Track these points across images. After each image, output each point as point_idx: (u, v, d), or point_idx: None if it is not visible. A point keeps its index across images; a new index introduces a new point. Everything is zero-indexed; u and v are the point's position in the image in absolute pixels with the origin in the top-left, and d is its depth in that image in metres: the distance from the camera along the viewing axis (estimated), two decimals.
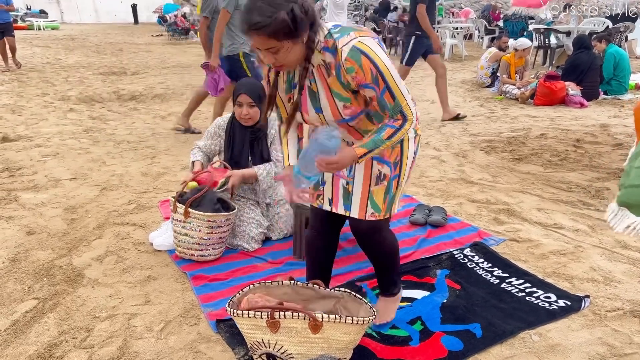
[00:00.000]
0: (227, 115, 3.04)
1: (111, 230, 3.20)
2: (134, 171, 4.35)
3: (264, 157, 2.99)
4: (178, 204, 2.68)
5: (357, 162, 1.76)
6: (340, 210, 1.97)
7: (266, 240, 3.05)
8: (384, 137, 1.73)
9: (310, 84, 1.76)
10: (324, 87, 1.74)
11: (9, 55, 10.25)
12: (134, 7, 27.27)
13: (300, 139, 2.08)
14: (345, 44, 1.64)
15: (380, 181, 1.88)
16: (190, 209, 2.65)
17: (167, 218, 3.25)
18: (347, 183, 1.92)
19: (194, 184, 2.83)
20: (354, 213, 1.93)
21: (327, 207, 2.01)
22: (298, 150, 2.01)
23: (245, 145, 2.96)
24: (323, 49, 1.67)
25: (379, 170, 1.88)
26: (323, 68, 1.71)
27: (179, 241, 2.73)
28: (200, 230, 2.67)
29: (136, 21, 27.06)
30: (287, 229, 3.08)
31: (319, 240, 2.17)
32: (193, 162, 3.05)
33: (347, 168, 1.86)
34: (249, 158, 2.98)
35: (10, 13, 10.31)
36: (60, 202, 3.66)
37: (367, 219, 1.92)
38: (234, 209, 2.83)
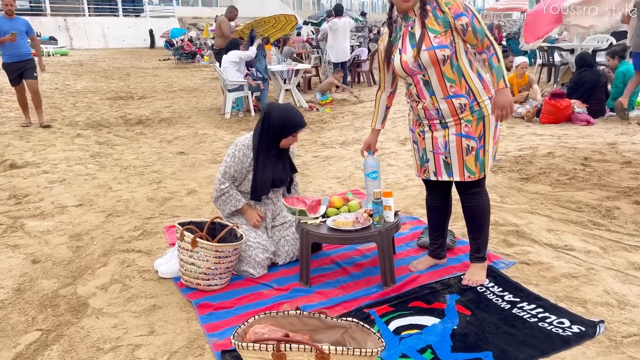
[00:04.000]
0: (247, 136, 3.00)
1: (116, 257, 3.18)
2: (140, 196, 4.35)
3: (293, 169, 3.14)
4: (186, 233, 2.66)
5: (508, 87, 2.36)
6: (444, 177, 2.57)
7: (272, 265, 3.02)
8: (496, 64, 2.34)
9: (411, 29, 2.40)
10: (420, 26, 2.36)
11: (30, 104, 7.48)
12: (150, 32, 28.07)
13: (388, 107, 2.75)
14: None
15: (470, 152, 2.46)
16: (198, 239, 2.62)
17: (173, 244, 3.23)
18: (446, 157, 2.52)
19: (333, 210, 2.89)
20: (456, 177, 2.54)
21: (433, 178, 2.62)
22: (384, 117, 2.78)
23: (282, 163, 3.01)
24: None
25: (467, 144, 2.45)
26: (422, 16, 2.35)
27: (185, 270, 2.70)
28: (207, 260, 2.64)
29: (152, 45, 27.68)
30: (293, 253, 3.05)
31: (434, 202, 2.78)
32: (242, 207, 2.99)
33: (443, 146, 2.49)
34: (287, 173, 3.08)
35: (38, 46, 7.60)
36: (66, 229, 3.65)
37: (466, 180, 2.52)
38: (241, 237, 2.81)
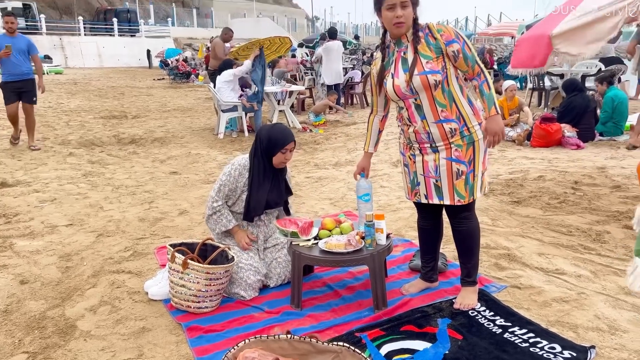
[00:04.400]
0: (244, 156, 3.02)
1: (106, 278, 3.15)
2: (131, 216, 4.33)
3: (289, 191, 3.15)
4: (177, 254, 2.65)
5: (499, 114, 2.42)
6: (435, 200, 2.59)
7: (263, 287, 3.00)
8: (487, 91, 2.41)
9: (404, 54, 2.46)
10: (412, 52, 2.42)
11: (22, 123, 7.13)
12: (148, 52, 28.41)
13: (380, 131, 2.80)
14: (435, 24, 2.47)
15: (460, 176, 2.49)
16: (189, 261, 2.61)
17: (163, 265, 3.20)
18: (436, 180, 2.54)
19: (325, 232, 2.87)
20: (446, 201, 2.56)
21: (424, 201, 2.64)
22: (376, 141, 2.82)
23: (278, 184, 3.01)
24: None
25: (457, 168, 2.48)
26: (414, 42, 2.42)
27: (175, 292, 2.68)
28: (198, 282, 2.62)
29: (150, 65, 27.94)
30: (285, 275, 3.03)
31: (425, 224, 2.81)
32: (232, 228, 2.98)
33: (434, 170, 2.52)
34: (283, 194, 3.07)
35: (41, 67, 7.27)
36: (56, 249, 3.62)
37: (456, 204, 2.54)
38: (233, 259, 2.80)
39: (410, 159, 2.62)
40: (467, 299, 2.70)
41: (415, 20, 2.43)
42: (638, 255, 1.44)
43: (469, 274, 2.72)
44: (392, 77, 2.49)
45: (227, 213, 2.97)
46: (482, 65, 2.44)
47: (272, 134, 2.92)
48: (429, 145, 2.52)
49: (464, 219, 2.62)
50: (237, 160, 2.98)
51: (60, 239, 3.82)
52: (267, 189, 2.95)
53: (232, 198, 2.98)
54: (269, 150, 2.91)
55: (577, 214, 4.15)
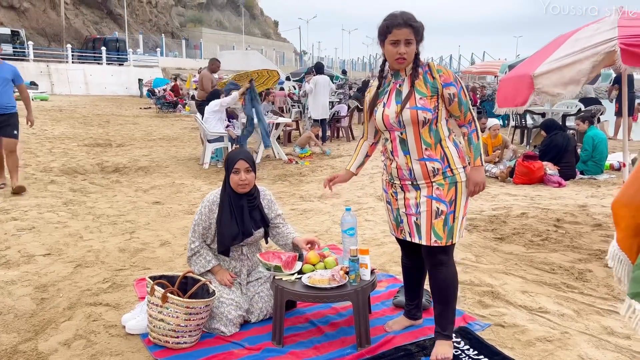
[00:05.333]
0: (214, 192, 3.01)
1: (82, 311, 3.06)
2: (112, 247, 4.24)
3: (265, 221, 3.01)
4: (156, 287, 2.59)
5: (482, 165, 2.45)
6: (415, 239, 2.49)
7: (244, 323, 2.94)
8: (475, 141, 2.43)
9: (399, 86, 2.46)
10: (409, 86, 2.42)
11: (7, 164, 6.15)
12: (140, 81, 28.51)
13: (368, 155, 2.81)
14: (436, 64, 2.49)
15: (439, 216, 2.41)
16: (168, 294, 2.55)
17: (142, 298, 3.13)
18: (417, 219, 2.45)
19: (309, 266, 2.83)
20: (423, 241, 2.45)
21: (408, 238, 2.54)
22: (361, 163, 2.81)
23: (245, 214, 2.92)
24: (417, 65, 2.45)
25: (437, 207, 2.41)
26: (412, 77, 2.42)
27: (153, 326, 2.61)
28: (177, 317, 2.56)
29: (141, 94, 28.05)
30: (267, 310, 2.97)
31: (409, 262, 2.75)
32: (213, 268, 2.93)
33: (415, 207, 2.45)
34: (253, 225, 2.95)
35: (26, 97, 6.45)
36: (32, 279, 3.52)
37: (432, 245, 2.43)
38: (214, 293, 2.74)
39: (393, 197, 2.57)
40: (442, 352, 2.52)
41: (417, 55, 2.44)
42: (634, 297, 1.43)
43: (444, 327, 2.56)
44: (384, 106, 2.48)
45: (207, 253, 2.94)
46: (474, 115, 2.46)
47: (227, 157, 2.95)
48: (410, 182, 2.48)
49: (441, 264, 2.50)
50: (207, 197, 2.99)
51: (36, 269, 3.72)
52: (235, 220, 2.89)
53: (209, 236, 2.97)
54: (227, 175, 2.91)
55: (560, 252, 4.17)
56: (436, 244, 2.44)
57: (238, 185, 2.88)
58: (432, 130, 2.41)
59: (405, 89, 2.43)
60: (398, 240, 2.71)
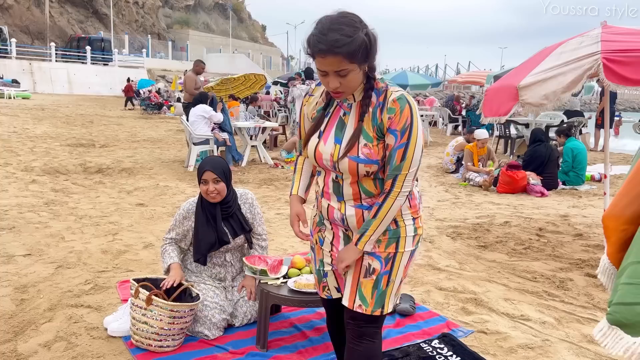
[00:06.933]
0: (192, 199, 2.99)
1: (63, 312, 3.01)
2: (94, 248, 4.19)
3: (244, 229, 2.94)
4: (141, 289, 2.56)
5: (361, 250, 1.80)
6: (344, 298, 1.89)
7: (228, 327, 2.92)
8: (374, 217, 1.76)
9: (344, 115, 1.81)
10: (355, 122, 1.78)
11: None
12: (128, 79, 28.18)
13: (312, 175, 2.08)
14: (396, 91, 1.74)
15: (369, 274, 1.82)
16: (153, 297, 2.53)
17: (125, 300, 3.09)
18: (344, 273, 1.90)
19: (295, 270, 2.82)
20: (344, 301, 1.87)
21: (336, 295, 2.00)
22: (307, 184, 2.08)
23: (218, 223, 2.88)
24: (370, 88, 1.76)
25: (369, 263, 1.82)
26: (362, 107, 1.75)
27: (136, 329, 2.58)
28: (161, 320, 2.54)
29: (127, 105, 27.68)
30: (251, 314, 2.96)
31: (336, 328, 2.13)
32: (170, 265, 2.86)
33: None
34: (228, 233, 2.91)
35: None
36: (11, 280, 3.46)
37: (354, 309, 1.83)
38: (198, 298, 2.72)
39: (317, 244, 2.00)
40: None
41: (368, 76, 1.74)
42: (612, 322, 1.40)
43: None
44: (319, 138, 1.83)
45: (172, 250, 2.93)
46: (406, 189, 1.74)
47: (198, 166, 2.93)
48: (342, 229, 1.92)
49: (365, 337, 1.86)
50: (184, 204, 2.98)
51: (16, 269, 3.66)
52: (211, 228, 2.87)
53: (185, 241, 2.99)
54: (199, 184, 2.90)
55: (542, 261, 4.23)
56: (359, 310, 1.82)
57: (207, 195, 2.84)
58: (377, 179, 1.79)
59: (350, 124, 1.79)
60: (322, 300, 2.10)
